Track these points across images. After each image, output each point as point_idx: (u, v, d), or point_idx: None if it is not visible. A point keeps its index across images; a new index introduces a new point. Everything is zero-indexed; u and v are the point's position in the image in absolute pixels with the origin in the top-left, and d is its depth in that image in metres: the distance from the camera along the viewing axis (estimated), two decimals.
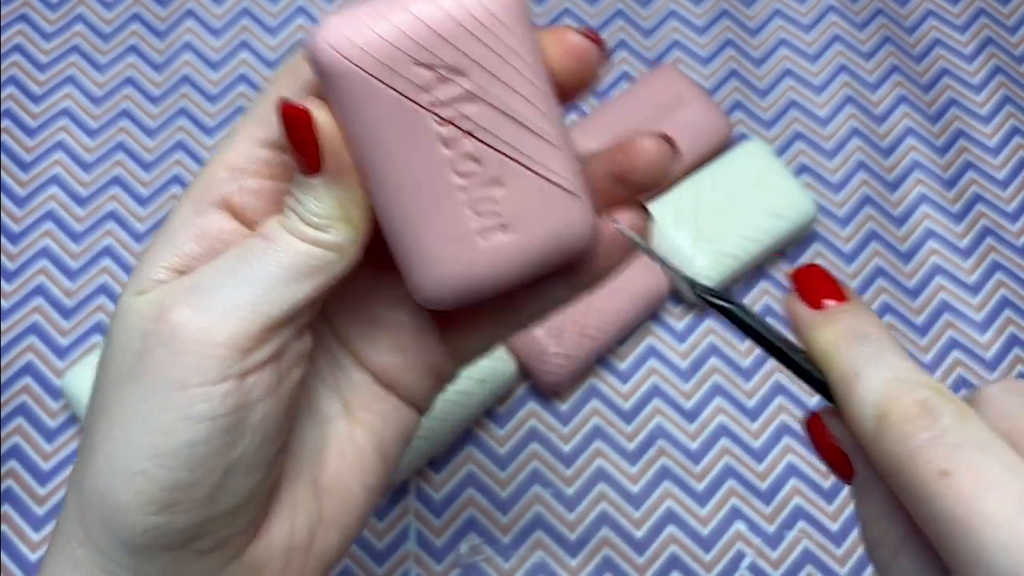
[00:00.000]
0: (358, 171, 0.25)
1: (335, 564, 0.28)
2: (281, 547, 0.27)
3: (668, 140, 0.27)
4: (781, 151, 0.51)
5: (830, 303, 0.24)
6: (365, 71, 0.24)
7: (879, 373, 0.23)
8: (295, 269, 0.24)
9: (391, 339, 0.29)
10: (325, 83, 0.24)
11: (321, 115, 0.24)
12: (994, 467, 0.20)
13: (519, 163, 0.25)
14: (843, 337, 0.24)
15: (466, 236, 0.25)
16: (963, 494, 0.20)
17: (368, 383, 0.29)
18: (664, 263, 0.24)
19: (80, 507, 0.25)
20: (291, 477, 0.27)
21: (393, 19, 0.24)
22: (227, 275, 0.24)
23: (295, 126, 0.24)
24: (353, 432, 0.28)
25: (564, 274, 0.28)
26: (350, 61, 0.23)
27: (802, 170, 0.51)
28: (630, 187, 0.27)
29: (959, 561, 0.20)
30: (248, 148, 0.26)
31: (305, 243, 0.24)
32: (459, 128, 0.25)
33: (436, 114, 0.24)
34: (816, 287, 0.25)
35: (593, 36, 0.26)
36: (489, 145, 0.25)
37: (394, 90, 0.24)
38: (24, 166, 0.49)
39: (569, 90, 0.26)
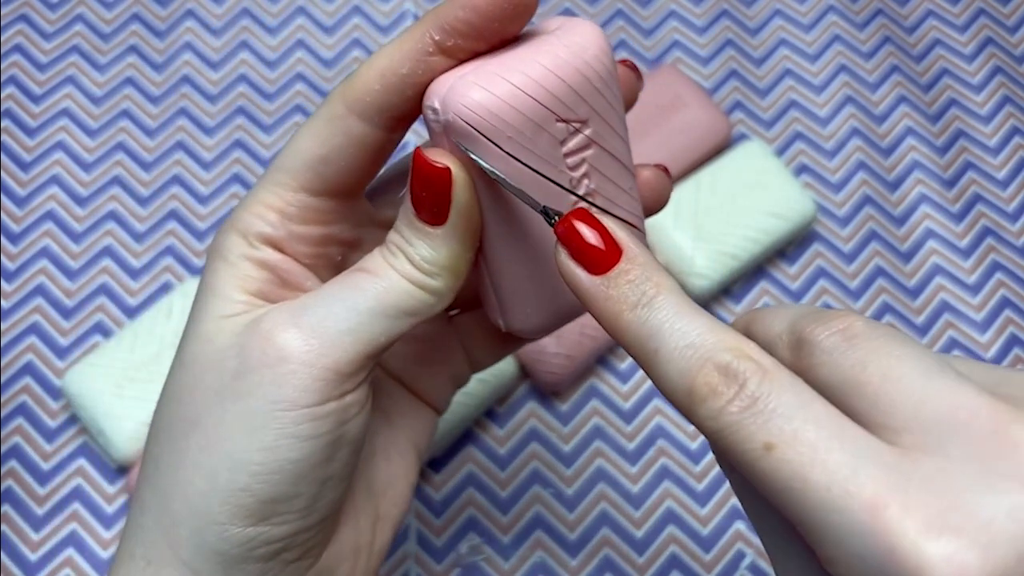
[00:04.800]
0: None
1: (386, 554, 0.31)
2: (350, 549, 0.28)
3: (664, 171, 0.29)
4: (781, 151, 0.51)
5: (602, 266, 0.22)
6: (513, 131, 0.23)
7: (673, 342, 0.21)
8: (397, 307, 0.25)
9: (420, 354, 0.31)
10: (460, 141, 0.24)
11: (460, 176, 0.24)
12: (810, 429, 0.19)
13: (617, 217, 0.27)
14: (626, 306, 0.22)
15: None
16: (793, 466, 0.19)
17: (400, 392, 0.31)
18: (517, 193, 0.24)
19: (165, 525, 0.25)
20: (352, 485, 0.29)
21: (535, 78, 0.23)
22: (332, 302, 0.25)
23: (432, 183, 0.24)
24: (395, 437, 0.31)
25: None
26: (500, 121, 0.23)
27: (802, 170, 0.51)
28: None
29: (814, 533, 0.19)
30: (294, 196, 0.26)
31: (411, 285, 0.25)
32: (583, 194, 0.25)
33: (568, 164, 0.25)
34: (582, 247, 0.23)
35: (633, 67, 0.28)
36: (601, 202, 0.26)
37: (535, 152, 0.24)
38: (24, 166, 0.49)
39: None
